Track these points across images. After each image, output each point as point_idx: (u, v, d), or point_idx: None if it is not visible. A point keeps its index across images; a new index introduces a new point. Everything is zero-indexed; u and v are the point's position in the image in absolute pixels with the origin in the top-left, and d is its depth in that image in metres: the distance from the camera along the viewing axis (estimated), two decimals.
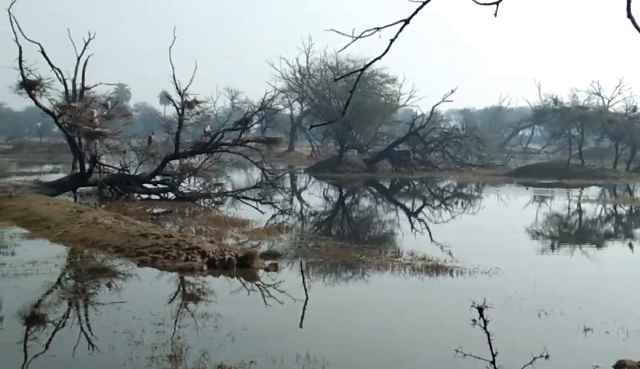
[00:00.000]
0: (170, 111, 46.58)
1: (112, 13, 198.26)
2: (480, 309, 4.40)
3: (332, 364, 8.50)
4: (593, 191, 40.96)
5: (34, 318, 10.93)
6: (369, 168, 52.44)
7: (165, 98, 35.44)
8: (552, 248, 21.08)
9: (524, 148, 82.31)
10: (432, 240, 20.57)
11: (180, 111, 28.78)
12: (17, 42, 28.06)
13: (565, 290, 13.42)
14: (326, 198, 36.97)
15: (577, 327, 10.50)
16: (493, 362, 4.62)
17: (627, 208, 32.61)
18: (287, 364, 8.52)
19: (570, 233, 24.81)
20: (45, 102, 29.07)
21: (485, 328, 4.34)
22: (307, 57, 67.72)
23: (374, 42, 4.62)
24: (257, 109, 34.73)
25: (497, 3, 4.59)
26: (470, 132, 59.66)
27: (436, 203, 33.74)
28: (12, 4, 28.93)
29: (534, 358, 5.02)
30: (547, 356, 5.59)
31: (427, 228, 23.86)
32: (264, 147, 30.98)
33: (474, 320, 4.41)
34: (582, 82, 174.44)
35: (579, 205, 34.06)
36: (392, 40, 4.46)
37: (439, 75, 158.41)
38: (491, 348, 4.48)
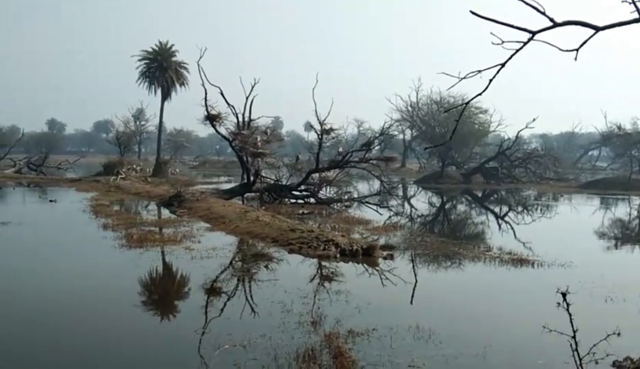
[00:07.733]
0: (312, 136, 47.45)
1: (273, 63, 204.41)
2: (564, 295, 4.19)
3: (437, 333, 8.30)
4: None
5: (212, 290, 11.30)
6: (464, 180, 51.82)
7: (309, 126, 35.99)
8: (616, 246, 19.73)
9: (593, 166, 79.41)
10: (516, 238, 19.74)
11: (320, 136, 29.10)
12: (203, 86, 29.26)
13: (628, 281, 12.54)
14: (430, 204, 36.35)
15: (637, 311, 9.89)
16: (574, 337, 4.38)
17: None
18: (400, 332, 8.38)
19: (631, 234, 23.17)
20: (222, 130, 30.25)
21: (567, 310, 4.13)
22: (417, 93, 67.22)
23: (473, 79, 4.50)
24: (377, 135, 34.87)
25: (577, 50, 4.38)
26: (548, 152, 57.80)
27: (519, 208, 32.37)
28: (200, 58, 30.39)
29: (608, 335, 4.73)
30: (619, 334, 5.23)
31: (512, 228, 22.93)
32: (382, 164, 31.07)
33: (559, 303, 4.21)
34: None
35: (638, 211, 31.86)
36: (490, 80, 4.33)
37: (524, 106, 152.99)
38: (572, 326, 4.26)
